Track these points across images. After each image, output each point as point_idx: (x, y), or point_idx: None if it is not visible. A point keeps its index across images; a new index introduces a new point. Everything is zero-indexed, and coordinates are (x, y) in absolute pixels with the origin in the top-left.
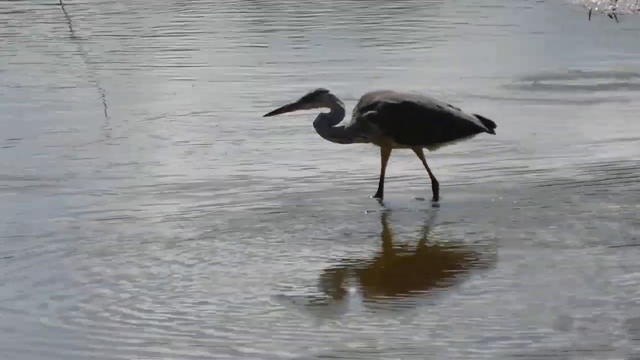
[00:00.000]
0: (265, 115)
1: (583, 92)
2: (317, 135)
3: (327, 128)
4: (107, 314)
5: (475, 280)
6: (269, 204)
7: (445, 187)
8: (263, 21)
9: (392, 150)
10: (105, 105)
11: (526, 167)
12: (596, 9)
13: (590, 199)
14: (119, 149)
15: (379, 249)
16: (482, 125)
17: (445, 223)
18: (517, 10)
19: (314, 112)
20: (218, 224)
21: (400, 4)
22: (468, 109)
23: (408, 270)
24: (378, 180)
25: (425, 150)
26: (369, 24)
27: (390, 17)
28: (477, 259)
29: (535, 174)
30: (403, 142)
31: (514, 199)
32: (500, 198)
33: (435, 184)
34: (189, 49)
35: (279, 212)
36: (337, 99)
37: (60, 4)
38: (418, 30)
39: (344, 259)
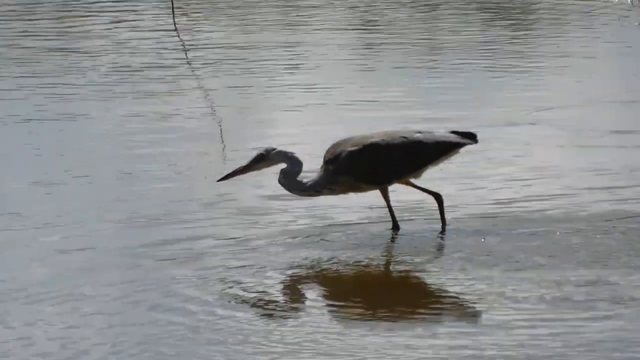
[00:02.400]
0: (218, 181)
1: None
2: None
3: (293, 183)
4: None
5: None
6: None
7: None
8: (381, 48)
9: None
10: (221, 135)
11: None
12: None
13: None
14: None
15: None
16: (461, 140)
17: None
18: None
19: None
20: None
21: (523, 29)
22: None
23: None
24: (389, 216)
25: (411, 179)
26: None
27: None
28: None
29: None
30: (377, 184)
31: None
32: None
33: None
34: (304, 83)
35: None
36: (288, 152)
37: (175, 29)
38: (542, 55)
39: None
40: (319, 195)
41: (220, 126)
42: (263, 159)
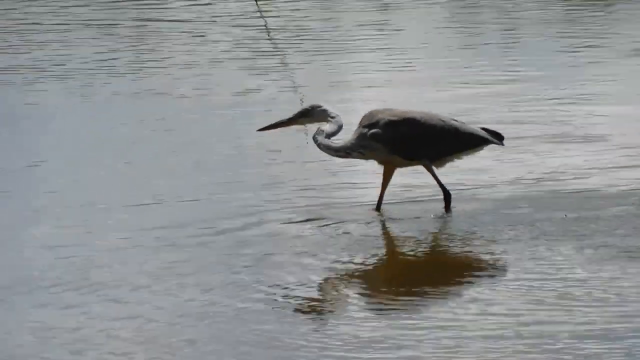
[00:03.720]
0: (259, 130)
1: None
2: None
3: (326, 141)
4: None
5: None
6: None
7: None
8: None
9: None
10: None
11: None
12: None
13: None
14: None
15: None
16: (490, 137)
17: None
18: None
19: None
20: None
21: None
22: None
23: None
24: (378, 197)
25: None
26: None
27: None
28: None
29: None
30: (409, 158)
31: None
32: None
33: (447, 195)
34: (389, 61)
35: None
36: (332, 112)
37: (261, 17)
38: (622, 35)
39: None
40: (348, 157)
41: (302, 103)
42: (306, 115)
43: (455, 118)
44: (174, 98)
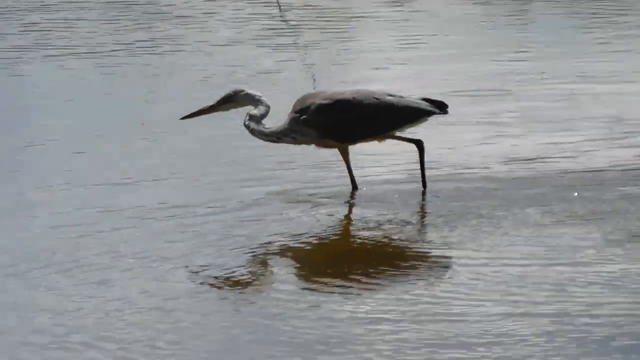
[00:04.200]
0: (182, 118)
1: None
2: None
3: (257, 126)
4: None
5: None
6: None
7: None
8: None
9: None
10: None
11: None
12: None
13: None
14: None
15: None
16: (431, 108)
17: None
18: None
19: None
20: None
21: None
22: None
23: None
24: (349, 178)
25: (374, 142)
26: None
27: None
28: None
29: None
30: (341, 141)
31: None
32: None
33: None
34: (403, 39)
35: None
36: (256, 96)
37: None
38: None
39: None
40: (280, 142)
41: (314, 80)
42: (230, 100)
43: (392, 93)
44: (186, 77)
